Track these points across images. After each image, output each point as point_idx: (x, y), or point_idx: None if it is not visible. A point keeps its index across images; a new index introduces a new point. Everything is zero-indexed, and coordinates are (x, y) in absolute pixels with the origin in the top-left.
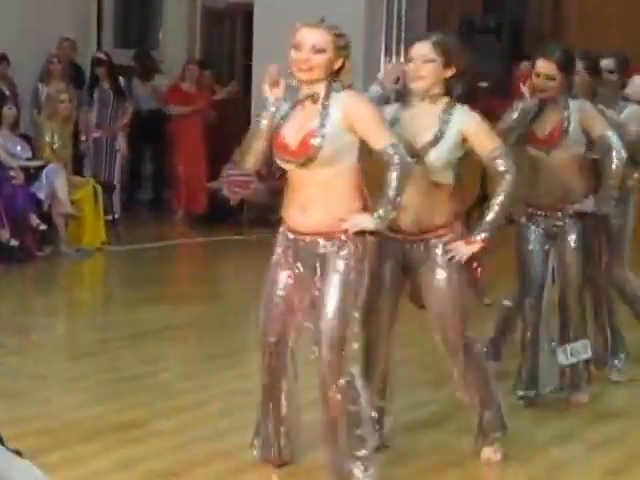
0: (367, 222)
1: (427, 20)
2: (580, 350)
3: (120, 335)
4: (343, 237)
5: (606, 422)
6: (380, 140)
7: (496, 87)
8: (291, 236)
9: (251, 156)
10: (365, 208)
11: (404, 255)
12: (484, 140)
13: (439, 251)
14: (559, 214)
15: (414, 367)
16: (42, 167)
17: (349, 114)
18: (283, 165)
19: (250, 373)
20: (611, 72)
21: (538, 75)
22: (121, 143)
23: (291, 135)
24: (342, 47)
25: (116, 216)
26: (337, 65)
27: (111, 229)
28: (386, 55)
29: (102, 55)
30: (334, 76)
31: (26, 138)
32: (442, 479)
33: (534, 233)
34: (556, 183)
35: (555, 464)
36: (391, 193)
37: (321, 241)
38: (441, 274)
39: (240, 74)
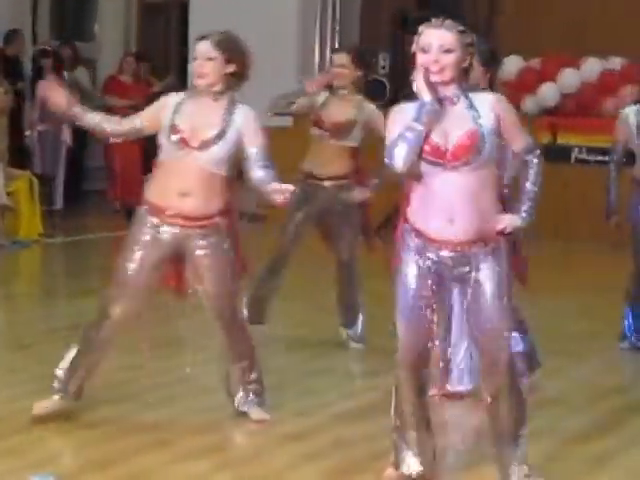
0: (518, 221)
1: (360, 15)
2: None
3: (59, 327)
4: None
5: (541, 410)
6: (521, 141)
7: None
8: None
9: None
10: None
11: (180, 243)
12: (253, 139)
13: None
14: None
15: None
16: None
17: (498, 114)
18: (429, 169)
19: (192, 362)
20: None
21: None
22: (66, 135)
23: (441, 137)
24: (468, 44)
25: (57, 207)
26: (465, 64)
27: (51, 221)
28: (320, 49)
29: (47, 47)
30: (463, 75)
31: None
32: (379, 467)
33: None
34: None
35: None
36: (536, 189)
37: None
38: (208, 258)
39: (176, 66)
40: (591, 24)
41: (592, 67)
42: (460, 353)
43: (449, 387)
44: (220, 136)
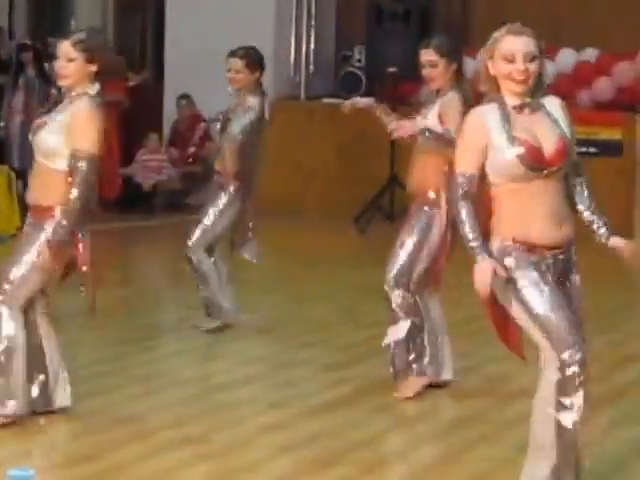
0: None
1: (336, 7)
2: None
3: None
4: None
5: (513, 402)
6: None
7: (406, 71)
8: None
9: None
10: None
11: None
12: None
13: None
14: None
15: (325, 350)
16: None
17: (566, 119)
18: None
19: (165, 356)
20: None
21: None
22: None
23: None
24: (543, 50)
25: None
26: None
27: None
28: (297, 44)
29: (27, 41)
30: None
31: None
32: (355, 458)
33: None
34: None
35: (467, 442)
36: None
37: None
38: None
39: (151, 62)
40: (566, 17)
41: (567, 58)
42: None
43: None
44: (43, 126)
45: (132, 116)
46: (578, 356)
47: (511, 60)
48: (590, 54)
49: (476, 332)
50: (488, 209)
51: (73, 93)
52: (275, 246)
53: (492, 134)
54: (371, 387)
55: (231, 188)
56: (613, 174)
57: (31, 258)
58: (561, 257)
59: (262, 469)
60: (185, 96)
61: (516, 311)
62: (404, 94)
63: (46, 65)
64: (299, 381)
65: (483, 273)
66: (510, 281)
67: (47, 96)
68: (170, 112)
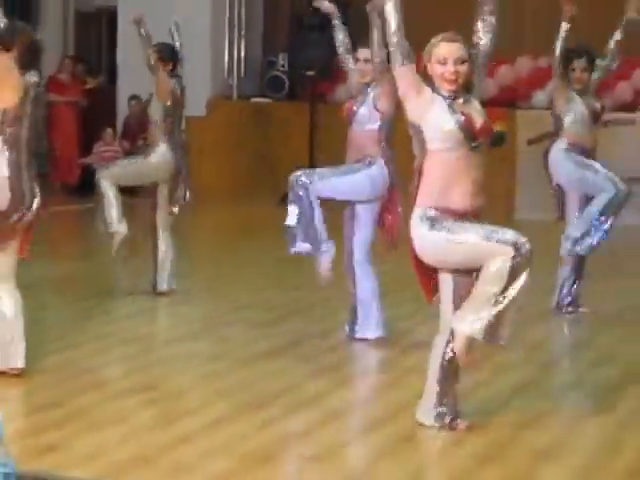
0: None
1: (263, 20)
2: None
3: None
4: None
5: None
6: None
7: (322, 74)
8: None
9: None
10: None
11: None
12: None
13: None
14: None
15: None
16: None
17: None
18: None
19: (119, 317)
20: None
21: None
22: None
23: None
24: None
25: None
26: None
27: None
28: (229, 51)
29: None
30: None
31: None
32: (281, 401)
33: None
34: None
35: (374, 388)
36: None
37: None
38: None
39: (106, 67)
40: (526, 26)
41: (524, 64)
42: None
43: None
44: None
45: (90, 114)
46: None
47: (444, 63)
48: (544, 61)
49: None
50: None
51: None
52: (213, 224)
53: (435, 104)
54: (295, 341)
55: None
56: (499, 161)
57: None
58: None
59: (202, 412)
60: (134, 97)
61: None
62: (321, 93)
63: None
64: (233, 337)
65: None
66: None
67: None
68: (122, 110)
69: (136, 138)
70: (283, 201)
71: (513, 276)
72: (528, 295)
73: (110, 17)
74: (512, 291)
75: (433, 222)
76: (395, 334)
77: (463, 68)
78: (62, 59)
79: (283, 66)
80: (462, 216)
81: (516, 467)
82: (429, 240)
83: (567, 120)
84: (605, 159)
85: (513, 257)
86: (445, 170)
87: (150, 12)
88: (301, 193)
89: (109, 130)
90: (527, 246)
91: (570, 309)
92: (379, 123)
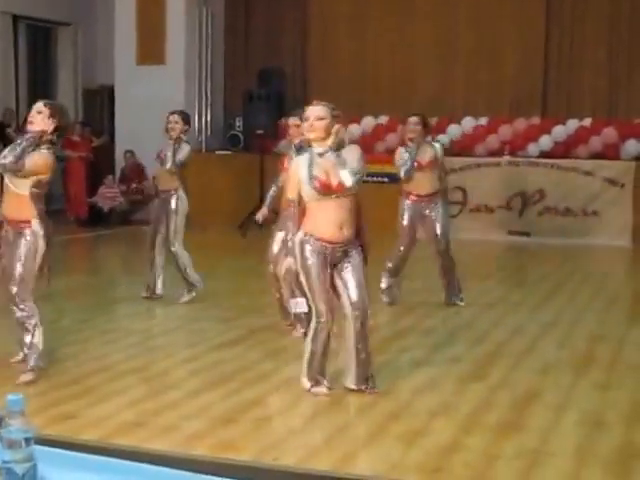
0: None
1: (224, 92)
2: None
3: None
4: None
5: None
6: None
7: (268, 134)
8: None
9: None
10: None
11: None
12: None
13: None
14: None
15: (221, 309)
16: None
17: (355, 156)
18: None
19: (120, 317)
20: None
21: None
22: None
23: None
24: (335, 116)
25: None
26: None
27: None
28: (199, 113)
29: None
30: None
31: None
32: (243, 377)
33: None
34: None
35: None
36: None
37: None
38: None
39: (107, 130)
40: (367, 89)
41: (368, 123)
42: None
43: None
44: None
45: (96, 165)
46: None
47: (307, 120)
48: (383, 119)
49: None
50: (303, 214)
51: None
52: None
53: (301, 172)
54: (251, 331)
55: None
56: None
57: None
58: (340, 249)
59: (182, 386)
60: (129, 151)
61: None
62: (268, 147)
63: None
64: (205, 329)
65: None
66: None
67: None
68: (119, 161)
69: (130, 182)
70: (241, 228)
71: (314, 335)
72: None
73: (110, 92)
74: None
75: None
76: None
77: (320, 124)
78: (74, 124)
79: (239, 127)
80: (331, 244)
81: (415, 422)
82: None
83: None
84: None
85: (317, 322)
86: (312, 212)
87: (140, 90)
88: None
89: (110, 176)
90: (323, 321)
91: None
92: None
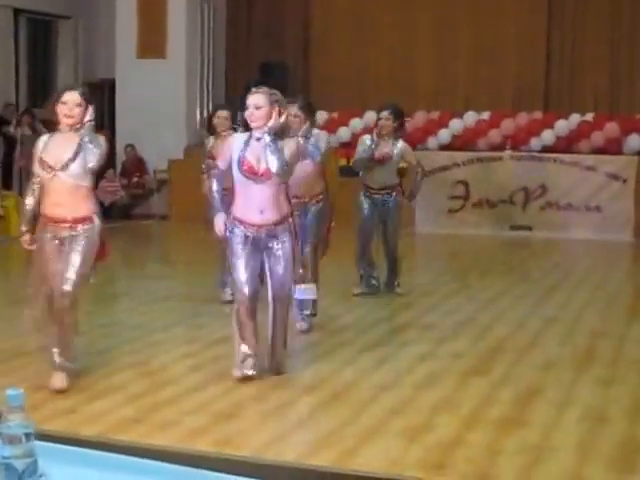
0: None
1: (225, 87)
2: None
3: None
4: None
5: (346, 330)
6: None
7: None
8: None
9: None
10: None
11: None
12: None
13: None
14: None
15: (218, 307)
16: None
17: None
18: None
19: (120, 311)
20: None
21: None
22: None
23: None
24: (275, 101)
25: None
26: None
27: None
28: (200, 110)
29: (28, 112)
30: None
31: None
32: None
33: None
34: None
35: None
36: None
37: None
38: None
39: (108, 124)
40: (368, 83)
41: (371, 117)
42: None
43: None
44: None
45: None
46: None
47: (247, 108)
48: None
49: None
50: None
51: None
52: (186, 239)
53: (234, 154)
54: None
55: None
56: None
57: None
58: (263, 232)
59: (181, 382)
60: (130, 145)
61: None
62: None
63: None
64: (203, 325)
65: (219, 222)
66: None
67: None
68: (120, 155)
69: (131, 176)
70: None
71: (236, 317)
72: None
73: (110, 86)
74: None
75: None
76: (325, 320)
77: (258, 112)
78: None
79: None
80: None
81: (417, 417)
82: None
83: None
84: None
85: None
86: (239, 194)
87: (141, 84)
88: None
89: (110, 170)
90: (241, 300)
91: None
92: None
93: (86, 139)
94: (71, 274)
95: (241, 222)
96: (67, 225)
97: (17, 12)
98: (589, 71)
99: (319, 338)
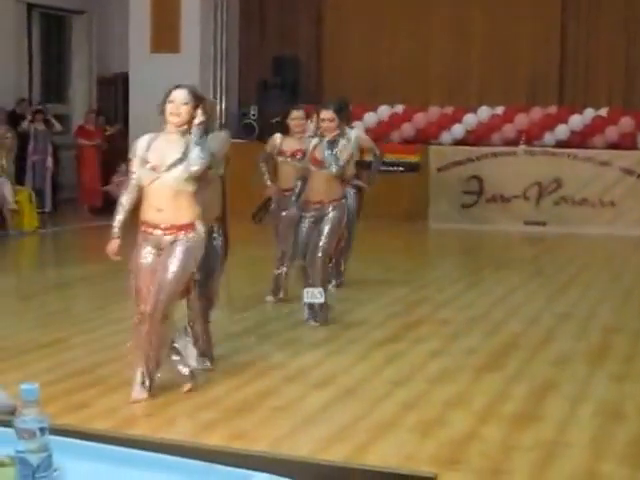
0: None
1: (238, 81)
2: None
3: (49, 285)
4: None
5: (358, 327)
6: None
7: (283, 122)
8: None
9: None
10: None
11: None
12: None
13: None
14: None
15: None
16: None
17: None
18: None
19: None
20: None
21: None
22: (49, 162)
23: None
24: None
25: (47, 210)
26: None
27: (43, 218)
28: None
29: (40, 107)
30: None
31: None
32: (250, 369)
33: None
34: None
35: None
36: None
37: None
38: None
39: (121, 119)
40: (382, 77)
41: (384, 111)
42: None
43: None
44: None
45: (110, 153)
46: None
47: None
48: (399, 108)
49: None
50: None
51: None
52: None
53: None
54: (261, 323)
55: None
56: (414, 183)
57: None
58: (159, 233)
59: (195, 376)
60: None
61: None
62: None
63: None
64: (218, 319)
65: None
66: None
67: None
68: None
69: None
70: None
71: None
72: None
73: (124, 80)
74: None
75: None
76: (337, 314)
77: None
78: (87, 113)
79: (254, 115)
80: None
81: (431, 413)
82: None
83: None
84: None
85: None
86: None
87: (154, 78)
88: None
89: (123, 165)
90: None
91: None
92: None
93: (194, 142)
94: (167, 284)
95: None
96: (167, 232)
97: (30, 7)
98: (603, 66)
99: (332, 333)
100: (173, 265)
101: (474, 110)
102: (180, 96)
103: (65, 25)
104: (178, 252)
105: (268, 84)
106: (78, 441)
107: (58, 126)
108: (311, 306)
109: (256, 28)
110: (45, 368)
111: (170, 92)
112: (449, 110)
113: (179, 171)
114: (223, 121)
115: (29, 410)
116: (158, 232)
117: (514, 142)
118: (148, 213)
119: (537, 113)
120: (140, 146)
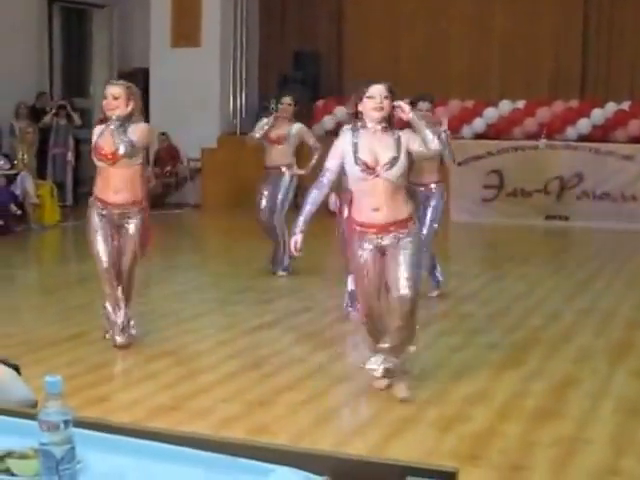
0: None
1: (258, 75)
2: None
3: (70, 279)
4: None
5: None
6: None
7: (303, 116)
8: None
9: None
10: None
11: None
12: None
13: None
14: None
15: (254, 293)
16: (17, 174)
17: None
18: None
19: (153, 299)
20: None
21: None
22: (70, 157)
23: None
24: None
25: (68, 203)
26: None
27: (64, 212)
28: (234, 99)
29: (63, 102)
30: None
31: (7, 156)
32: (275, 361)
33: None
34: None
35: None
36: None
37: None
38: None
39: (142, 113)
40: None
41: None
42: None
43: None
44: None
45: None
46: None
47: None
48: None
49: None
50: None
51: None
52: (218, 226)
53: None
54: (284, 315)
55: None
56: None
57: None
58: (116, 212)
59: (215, 370)
60: (163, 133)
61: None
62: None
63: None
64: (238, 313)
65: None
66: None
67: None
68: (153, 144)
69: (165, 165)
70: None
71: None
72: None
73: (144, 75)
74: None
75: None
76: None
77: (116, 102)
78: None
79: (273, 108)
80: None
81: (451, 409)
82: None
83: None
84: None
85: None
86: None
87: (175, 73)
88: None
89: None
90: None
91: None
92: None
93: (404, 136)
94: (405, 277)
95: (100, 202)
96: (389, 230)
97: (51, 1)
98: (626, 59)
99: (353, 328)
100: (405, 260)
101: (495, 104)
102: (380, 90)
103: (86, 19)
104: (405, 249)
105: (288, 78)
106: (101, 434)
107: (78, 120)
108: None
109: (276, 23)
110: (66, 362)
111: (367, 87)
112: (470, 104)
113: (397, 168)
114: (243, 115)
115: (53, 403)
116: (378, 232)
117: (535, 136)
118: (364, 213)
119: (559, 107)
120: (343, 143)
